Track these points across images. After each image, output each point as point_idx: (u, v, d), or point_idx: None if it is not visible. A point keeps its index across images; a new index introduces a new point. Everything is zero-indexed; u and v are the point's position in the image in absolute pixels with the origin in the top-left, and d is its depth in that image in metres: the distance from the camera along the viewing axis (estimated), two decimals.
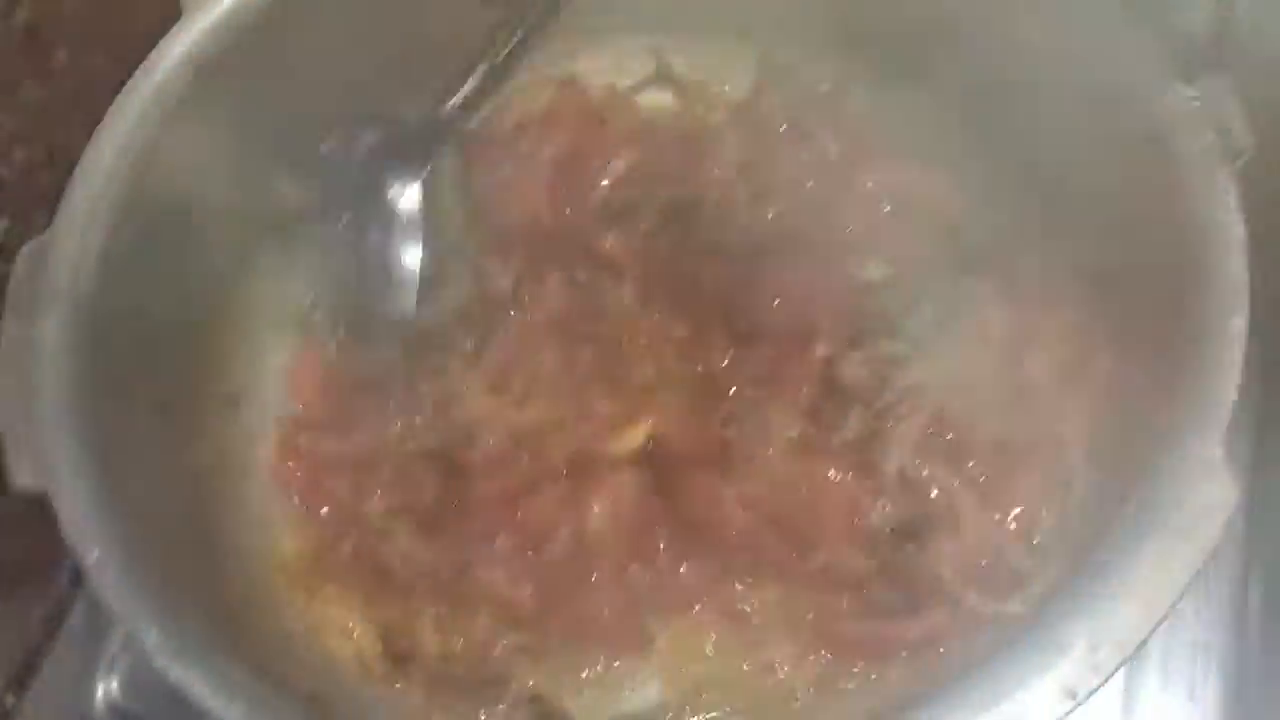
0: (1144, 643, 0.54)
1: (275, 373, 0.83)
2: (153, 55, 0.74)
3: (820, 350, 0.74)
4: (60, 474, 0.63)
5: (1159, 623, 0.54)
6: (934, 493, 0.71)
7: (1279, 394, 0.79)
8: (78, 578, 0.87)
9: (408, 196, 0.81)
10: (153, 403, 0.73)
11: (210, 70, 0.75)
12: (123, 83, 0.74)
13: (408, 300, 0.80)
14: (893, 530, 0.70)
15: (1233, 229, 0.61)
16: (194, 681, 0.58)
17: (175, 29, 0.75)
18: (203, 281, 0.80)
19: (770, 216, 0.81)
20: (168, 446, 0.73)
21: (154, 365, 0.73)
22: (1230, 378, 0.58)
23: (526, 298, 0.80)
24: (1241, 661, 0.77)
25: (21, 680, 0.84)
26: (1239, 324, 0.59)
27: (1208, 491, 0.55)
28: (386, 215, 0.81)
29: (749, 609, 0.71)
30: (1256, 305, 0.59)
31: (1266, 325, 0.61)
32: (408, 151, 0.81)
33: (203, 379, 0.80)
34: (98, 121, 0.73)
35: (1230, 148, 0.63)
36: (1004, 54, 0.75)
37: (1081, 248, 0.72)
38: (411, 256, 0.80)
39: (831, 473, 0.71)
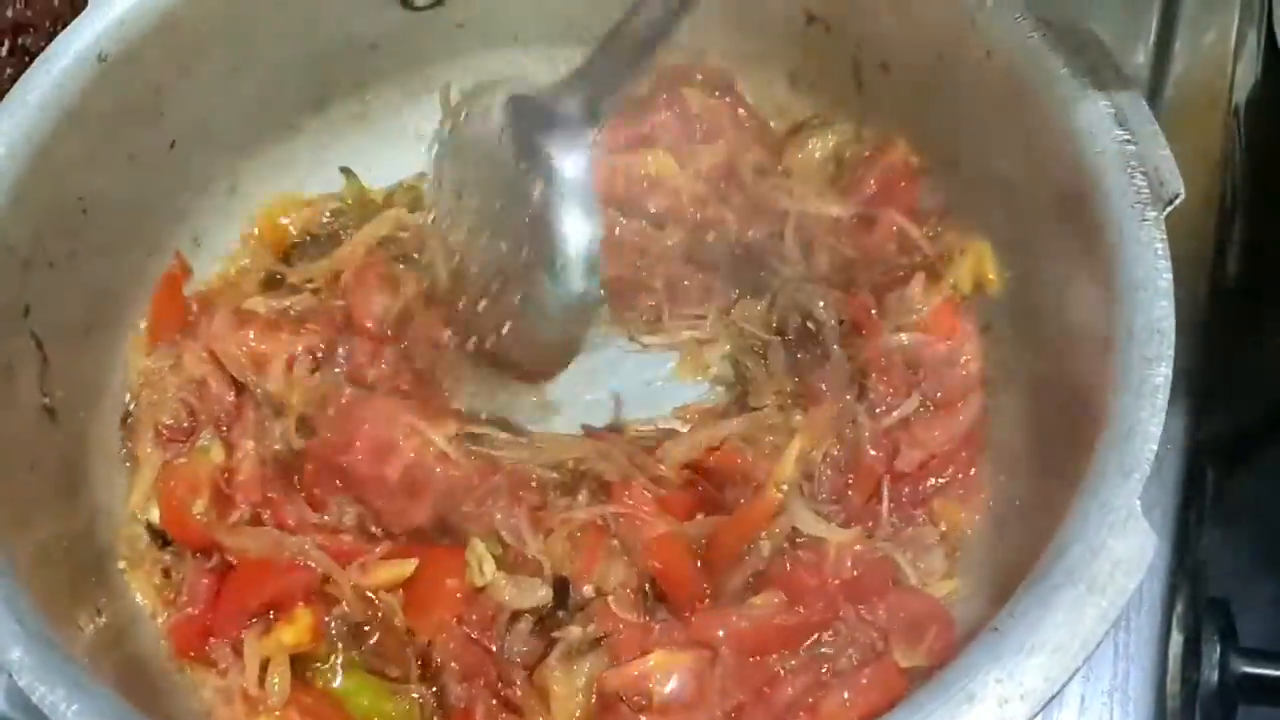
0: (1054, 696, 0.52)
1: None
2: (53, 47, 0.71)
3: None
4: None
5: (1070, 677, 0.53)
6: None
7: (1204, 455, 0.79)
8: None
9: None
10: (37, 406, 0.70)
11: (114, 64, 0.72)
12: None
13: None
14: None
15: (1159, 277, 0.60)
16: (58, 702, 0.54)
17: (79, 21, 0.72)
18: (102, 278, 0.76)
19: None
20: (52, 456, 0.70)
21: (40, 365, 0.70)
22: (1151, 427, 0.56)
23: None
24: (1160, 708, 0.76)
25: None
26: (1163, 372, 0.58)
27: (1124, 544, 0.54)
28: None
29: None
30: None
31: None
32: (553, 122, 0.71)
33: (98, 381, 0.76)
34: None
35: (1160, 193, 0.62)
36: (943, 93, 0.75)
37: (1007, 290, 0.71)
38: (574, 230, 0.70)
39: None
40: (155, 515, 0.74)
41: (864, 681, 0.65)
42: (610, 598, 0.68)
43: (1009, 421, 0.72)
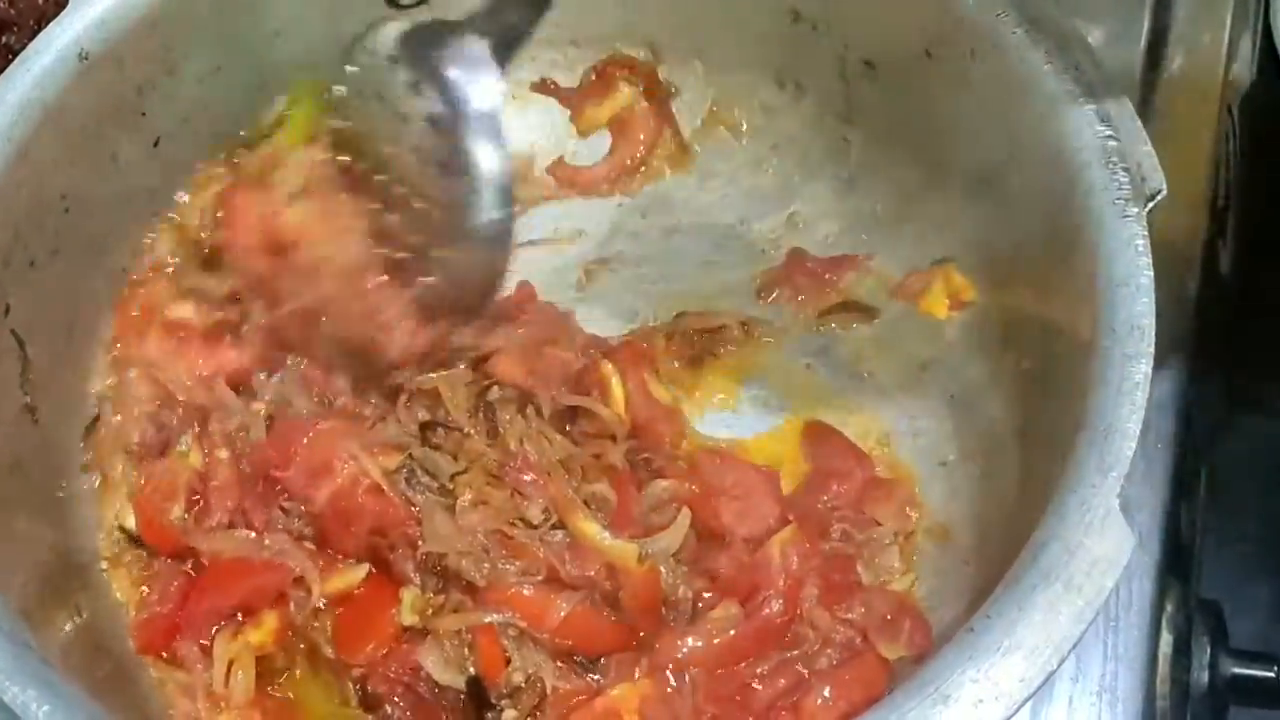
0: (1030, 697, 0.52)
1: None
2: (34, 44, 0.71)
3: None
4: None
5: (1047, 678, 0.52)
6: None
7: (1194, 453, 0.78)
8: None
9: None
10: (19, 405, 0.69)
11: (95, 62, 0.72)
12: None
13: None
14: None
15: (1139, 275, 0.60)
16: (29, 702, 0.54)
17: (60, 19, 0.72)
18: (85, 277, 0.76)
19: None
20: (33, 456, 0.70)
21: (21, 363, 0.70)
22: (1130, 425, 0.56)
23: None
24: (1150, 709, 0.75)
25: None
26: (1143, 370, 0.57)
27: (1102, 543, 0.54)
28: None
29: None
30: None
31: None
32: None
33: (79, 381, 0.76)
34: None
35: (1142, 190, 0.62)
36: (928, 91, 0.75)
37: (987, 284, 0.71)
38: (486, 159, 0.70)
39: None
40: (131, 521, 0.73)
41: (848, 677, 0.65)
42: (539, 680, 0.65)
43: (990, 421, 0.71)
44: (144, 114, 0.76)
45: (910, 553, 0.70)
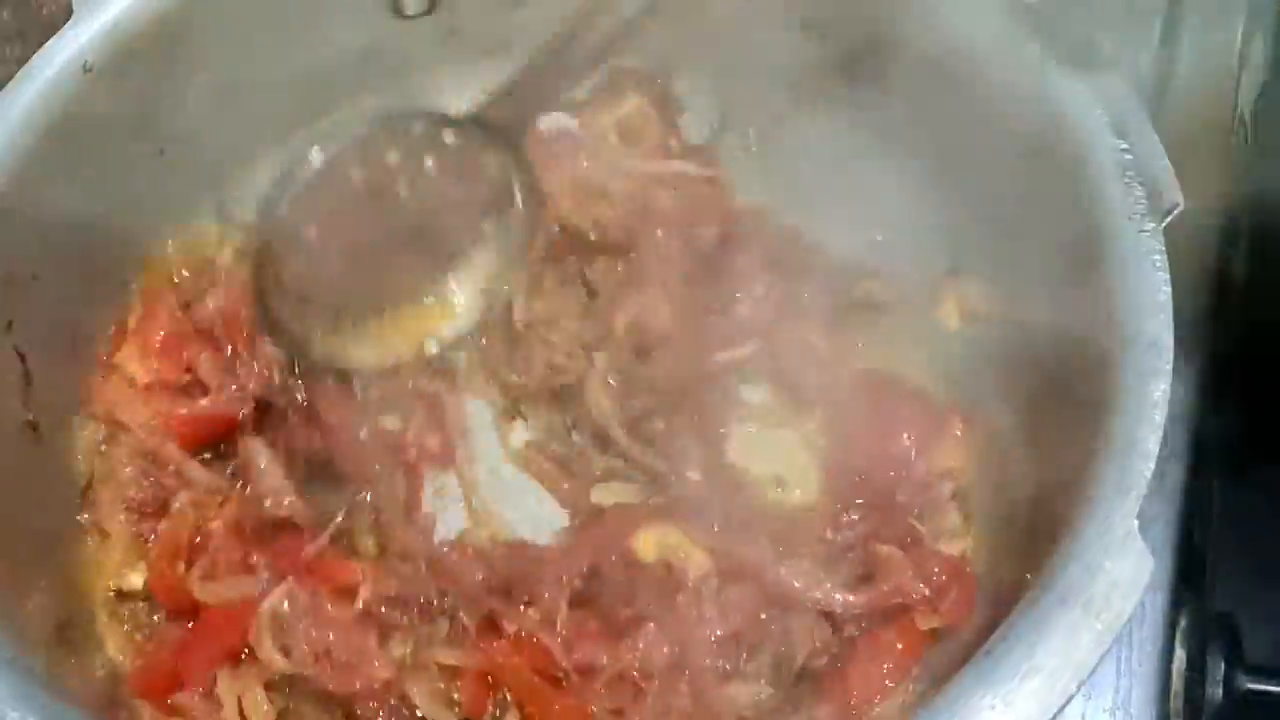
0: None
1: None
2: (38, 57, 0.71)
3: None
4: None
5: (1066, 702, 0.51)
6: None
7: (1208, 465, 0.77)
8: None
9: None
10: (20, 422, 0.69)
11: (99, 75, 0.71)
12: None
13: None
14: None
15: (1157, 290, 0.59)
16: None
17: (64, 31, 0.71)
18: (88, 293, 0.75)
19: None
20: (34, 472, 0.69)
21: (23, 380, 0.69)
22: (1149, 444, 0.55)
23: None
24: None
25: None
26: (1161, 388, 0.57)
27: (1121, 565, 0.53)
28: None
29: None
30: None
31: None
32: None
33: (80, 402, 0.75)
34: None
35: (1158, 204, 0.61)
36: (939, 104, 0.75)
37: (1000, 296, 0.70)
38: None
39: None
40: (133, 581, 0.71)
41: (885, 640, 0.66)
42: None
43: (1004, 441, 0.71)
44: (148, 128, 0.76)
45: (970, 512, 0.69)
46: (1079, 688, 0.51)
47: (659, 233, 0.79)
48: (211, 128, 0.80)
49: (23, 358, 0.69)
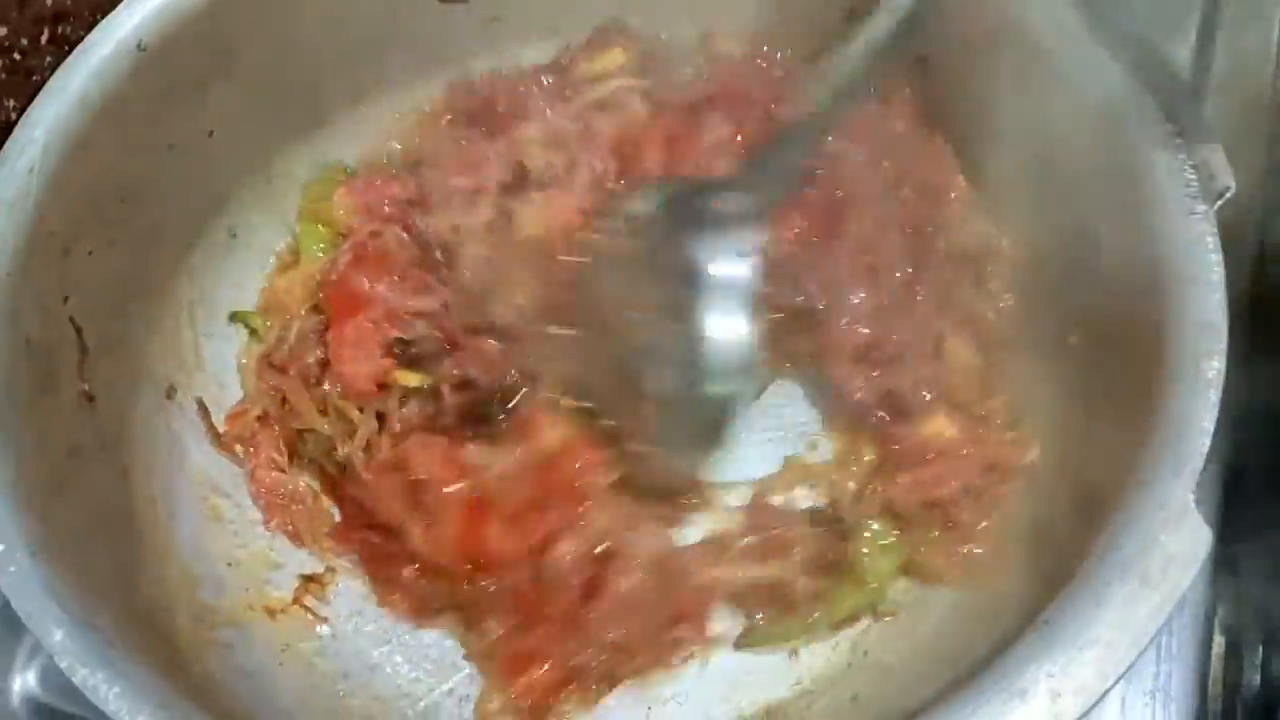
0: (1107, 692, 0.51)
1: (215, 367, 0.81)
2: (94, 35, 0.71)
3: None
4: None
5: (1123, 673, 0.52)
6: None
7: (1249, 449, 0.78)
8: None
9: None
10: (76, 392, 0.69)
11: (153, 53, 0.71)
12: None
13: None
14: None
15: (1210, 271, 0.59)
16: (99, 685, 0.54)
17: (118, 10, 0.72)
18: (138, 270, 0.76)
19: None
20: (91, 441, 0.69)
21: (79, 352, 0.70)
22: (1204, 422, 0.56)
23: None
24: (1202, 710, 0.75)
25: None
26: (1215, 366, 0.57)
27: (1178, 539, 0.53)
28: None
29: None
30: None
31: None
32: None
33: (135, 368, 0.76)
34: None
35: (1210, 187, 0.61)
36: (982, 89, 0.75)
37: (1057, 284, 0.70)
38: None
39: None
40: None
41: None
42: None
43: (1056, 420, 0.71)
44: (200, 105, 0.76)
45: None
46: (1137, 657, 0.52)
47: None
48: (257, 111, 0.80)
49: (79, 330, 0.69)
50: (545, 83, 0.84)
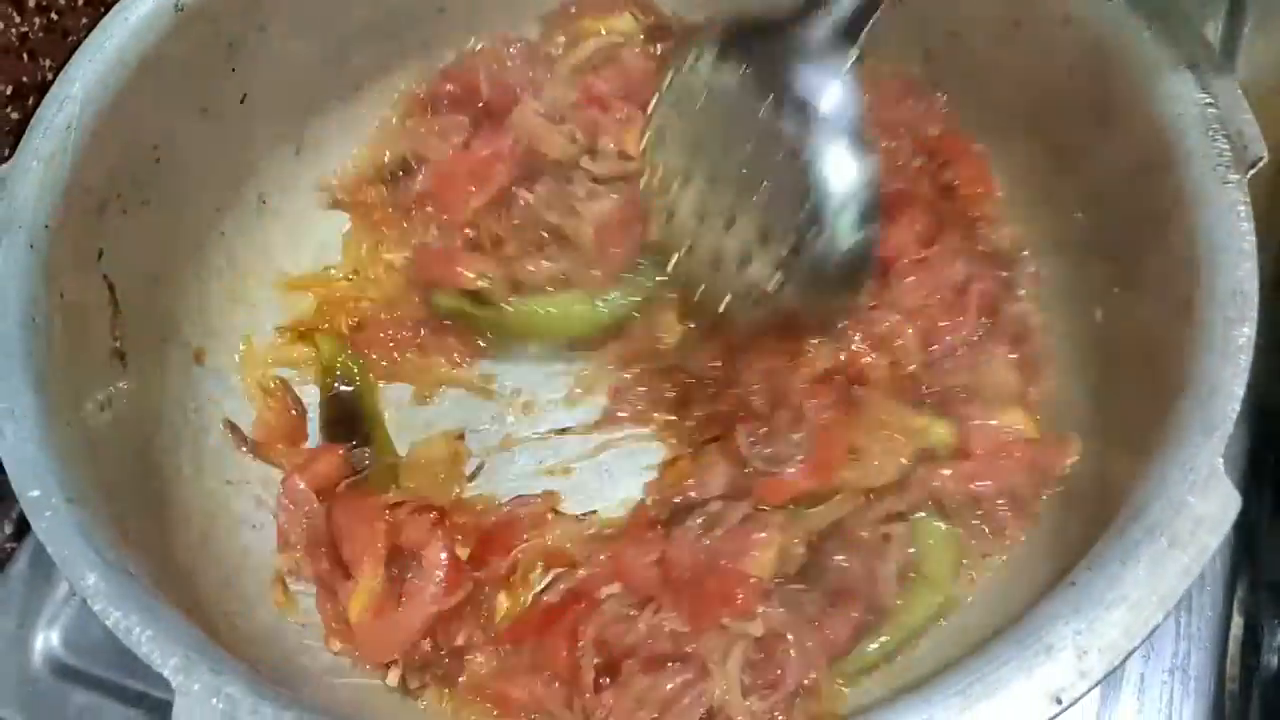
0: (1133, 651, 0.52)
1: (247, 329, 0.82)
2: None
3: None
4: (3, 410, 0.60)
5: (1151, 632, 0.52)
6: None
7: (1265, 438, 0.78)
8: (20, 529, 0.84)
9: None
10: (108, 349, 0.70)
11: (190, 15, 0.72)
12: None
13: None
14: None
15: (1242, 239, 0.60)
16: (132, 627, 0.54)
17: None
18: (169, 231, 0.76)
19: None
20: (123, 399, 0.70)
21: (111, 309, 0.70)
22: (1235, 388, 0.56)
23: None
24: (1220, 690, 0.75)
25: None
26: (1245, 333, 0.57)
27: (1207, 501, 0.54)
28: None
29: None
30: None
31: None
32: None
33: (165, 329, 0.76)
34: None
35: (1243, 156, 0.61)
36: (1013, 61, 0.75)
37: (1091, 252, 0.70)
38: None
39: None
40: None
41: None
42: None
43: (1084, 385, 0.71)
44: (234, 69, 0.77)
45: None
46: (1165, 618, 0.52)
47: None
48: (289, 78, 0.81)
49: (111, 287, 0.70)
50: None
